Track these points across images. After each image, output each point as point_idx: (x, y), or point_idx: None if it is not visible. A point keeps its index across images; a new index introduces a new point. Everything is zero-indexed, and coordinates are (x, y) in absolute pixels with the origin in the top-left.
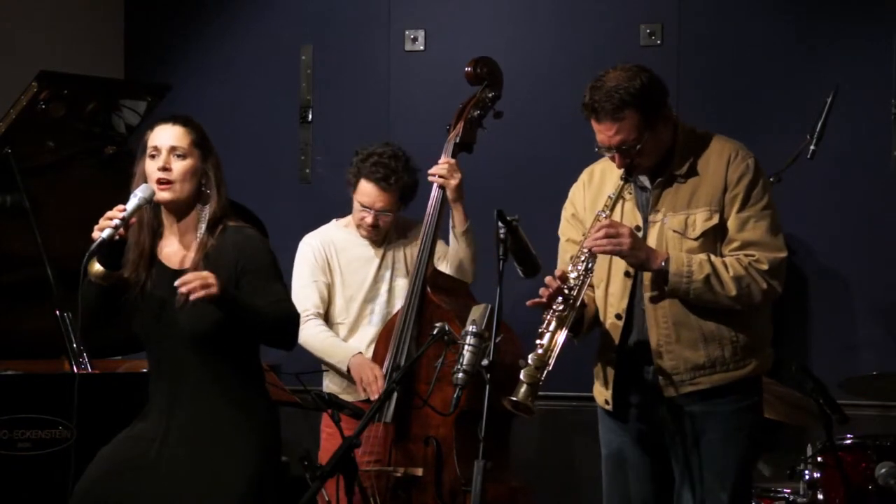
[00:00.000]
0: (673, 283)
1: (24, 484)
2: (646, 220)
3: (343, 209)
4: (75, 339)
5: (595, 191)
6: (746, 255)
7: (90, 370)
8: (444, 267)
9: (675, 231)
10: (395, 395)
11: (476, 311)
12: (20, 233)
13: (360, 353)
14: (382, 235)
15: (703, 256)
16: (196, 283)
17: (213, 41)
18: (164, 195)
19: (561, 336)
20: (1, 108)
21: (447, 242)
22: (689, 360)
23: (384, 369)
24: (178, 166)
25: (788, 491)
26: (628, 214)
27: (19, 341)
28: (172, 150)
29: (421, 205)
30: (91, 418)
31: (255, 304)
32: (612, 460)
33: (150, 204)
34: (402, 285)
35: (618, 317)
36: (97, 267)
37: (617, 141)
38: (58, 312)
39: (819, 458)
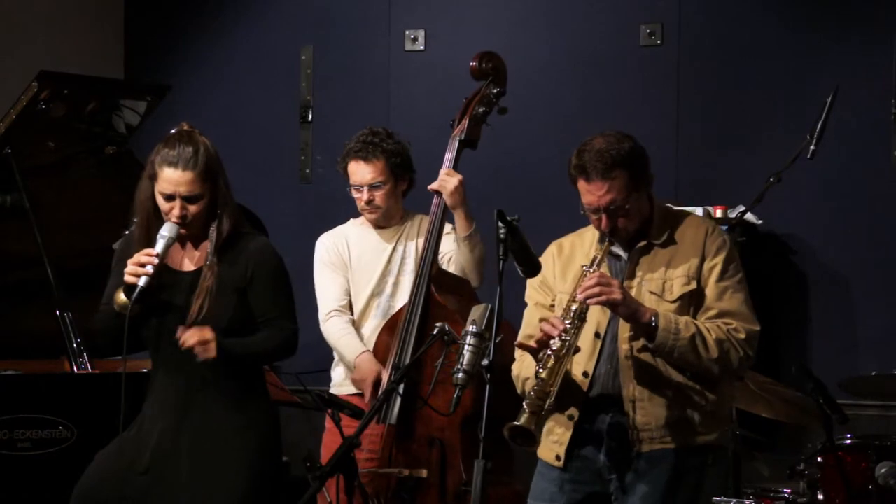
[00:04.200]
0: (661, 338)
1: (24, 484)
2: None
3: (342, 208)
4: (75, 338)
5: (565, 262)
6: (725, 324)
7: (90, 370)
8: (450, 267)
9: (651, 292)
10: (397, 396)
11: (476, 311)
12: (20, 233)
13: (368, 351)
14: (386, 214)
15: (687, 318)
16: (195, 343)
17: (213, 41)
18: (186, 231)
19: (562, 371)
20: (1, 108)
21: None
22: (660, 417)
23: (388, 369)
24: (195, 208)
25: (788, 491)
26: None
27: (19, 341)
28: (187, 198)
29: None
30: (91, 418)
31: (250, 347)
32: None
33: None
34: (408, 281)
35: (584, 374)
36: (122, 298)
37: (606, 201)
38: (58, 312)
39: (819, 458)
